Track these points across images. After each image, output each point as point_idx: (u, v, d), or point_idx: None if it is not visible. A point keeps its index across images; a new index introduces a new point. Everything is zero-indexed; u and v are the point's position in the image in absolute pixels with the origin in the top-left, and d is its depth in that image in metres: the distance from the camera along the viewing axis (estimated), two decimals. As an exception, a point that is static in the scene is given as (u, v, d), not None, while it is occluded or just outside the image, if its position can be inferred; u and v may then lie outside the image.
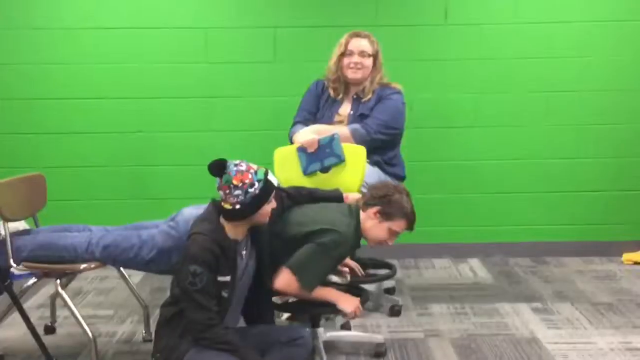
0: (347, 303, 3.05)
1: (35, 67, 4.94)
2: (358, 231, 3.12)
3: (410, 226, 3.14)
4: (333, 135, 3.54)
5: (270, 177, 2.73)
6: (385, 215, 3.09)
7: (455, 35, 4.98)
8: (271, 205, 2.76)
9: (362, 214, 3.12)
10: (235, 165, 2.70)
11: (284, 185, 3.44)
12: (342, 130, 3.67)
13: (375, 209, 3.10)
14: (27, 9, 4.90)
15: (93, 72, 4.95)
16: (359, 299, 3.11)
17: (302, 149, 3.55)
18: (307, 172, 3.54)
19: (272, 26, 4.96)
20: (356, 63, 3.85)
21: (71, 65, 4.94)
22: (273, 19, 4.95)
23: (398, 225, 3.10)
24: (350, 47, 3.87)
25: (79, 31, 4.92)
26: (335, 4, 4.95)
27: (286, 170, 3.59)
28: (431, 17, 4.97)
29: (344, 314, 3.09)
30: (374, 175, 3.69)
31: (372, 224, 3.10)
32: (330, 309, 3.09)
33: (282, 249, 3.01)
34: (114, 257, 3.11)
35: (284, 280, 2.96)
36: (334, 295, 3.09)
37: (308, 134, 3.65)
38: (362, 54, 3.86)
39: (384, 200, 3.11)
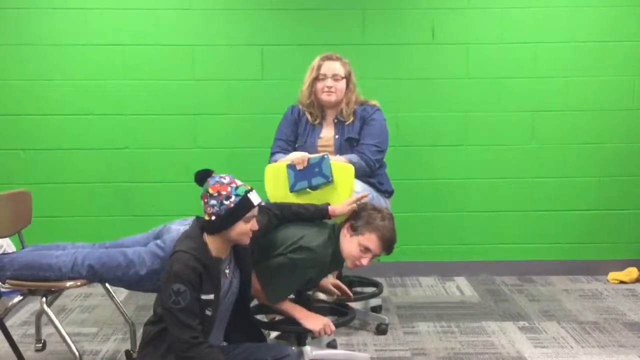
0: (313, 322, 3.05)
1: (22, 83, 4.93)
2: (337, 251, 3.10)
3: (383, 245, 3.07)
4: (323, 155, 3.54)
5: (252, 195, 2.68)
6: (354, 229, 3.08)
7: (442, 55, 5.02)
8: (250, 225, 2.69)
9: (341, 233, 3.12)
10: (220, 177, 2.69)
11: (272, 201, 3.45)
12: (340, 160, 3.65)
13: (348, 224, 3.10)
14: (16, 26, 4.90)
15: (80, 89, 4.95)
16: (327, 317, 3.11)
17: (292, 166, 3.55)
18: (293, 190, 3.53)
19: (260, 44, 4.97)
20: (329, 87, 3.82)
21: (58, 81, 4.93)
22: (260, 36, 4.97)
23: (368, 239, 3.04)
24: (323, 70, 3.84)
25: (66, 47, 4.92)
26: (323, 22, 4.98)
27: (276, 187, 3.59)
28: (418, 36, 5.00)
29: (312, 333, 3.08)
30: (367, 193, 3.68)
31: (344, 240, 3.10)
32: (296, 327, 3.10)
33: (265, 267, 3.01)
34: (100, 275, 3.08)
35: (256, 287, 2.99)
36: (301, 314, 3.09)
37: (301, 153, 3.65)
38: (335, 77, 3.83)
39: (357, 215, 3.12)
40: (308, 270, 3.06)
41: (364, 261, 3.07)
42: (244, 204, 2.66)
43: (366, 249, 3.06)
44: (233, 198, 2.65)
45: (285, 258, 3.01)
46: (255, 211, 2.70)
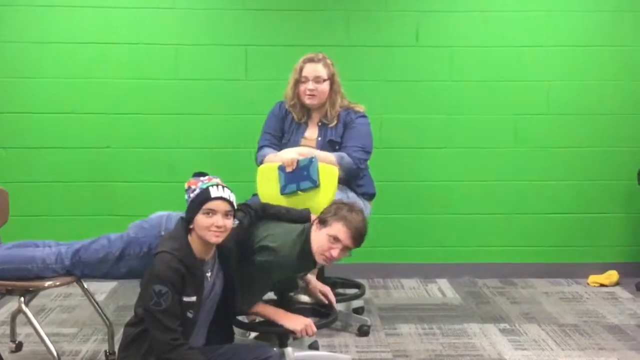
0: (294, 322, 3.05)
1: (3, 80, 4.87)
2: (307, 250, 3.05)
3: (352, 233, 2.99)
4: (312, 158, 3.53)
5: (213, 189, 2.68)
6: (322, 221, 3.04)
7: (426, 57, 5.02)
8: (212, 220, 2.65)
9: (311, 230, 3.09)
10: (201, 174, 2.76)
11: (264, 201, 3.43)
12: (329, 157, 3.64)
13: (317, 219, 3.08)
14: (-4, 22, 4.86)
15: (61, 87, 4.90)
16: (309, 318, 3.10)
17: (282, 168, 3.54)
18: (283, 192, 3.53)
19: (243, 44, 4.95)
20: (311, 90, 3.78)
21: (39, 79, 4.88)
22: (244, 37, 4.95)
23: (335, 229, 2.98)
24: (305, 73, 3.80)
25: (48, 45, 4.87)
26: (307, 23, 4.96)
27: (267, 188, 3.59)
28: (402, 38, 5.00)
29: (294, 334, 3.07)
30: (342, 195, 3.67)
31: (314, 235, 3.05)
32: (278, 328, 3.10)
33: (241, 266, 3.00)
34: (84, 261, 3.10)
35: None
36: (281, 316, 3.08)
37: (291, 153, 3.63)
38: (316, 79, 3.78)
39: (326, 210, 3.09)
40: (274, 273, 3.05)
41: (334, 252, 2.99)
42: (201, 195, 2.68)
43: (335, 239, 2.99)
44: (197, 191, 2.69)
45: (251, 262, 2.99)
46: (215, 205, 2.66)
